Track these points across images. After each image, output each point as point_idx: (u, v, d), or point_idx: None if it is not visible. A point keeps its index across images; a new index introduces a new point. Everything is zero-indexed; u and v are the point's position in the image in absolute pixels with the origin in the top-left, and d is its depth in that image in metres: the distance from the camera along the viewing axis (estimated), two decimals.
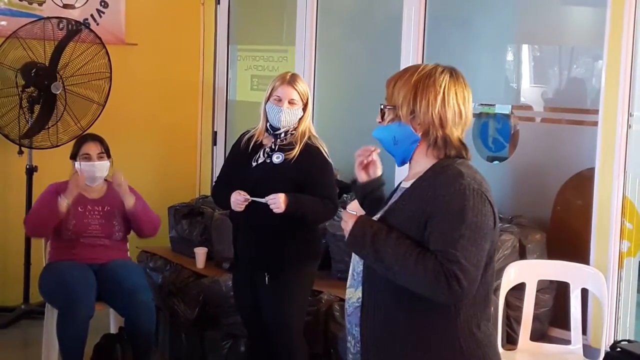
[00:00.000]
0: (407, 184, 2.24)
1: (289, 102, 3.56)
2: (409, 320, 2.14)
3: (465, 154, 2.21)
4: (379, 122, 2.27)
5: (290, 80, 3.59)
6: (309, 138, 3.60)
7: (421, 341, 2.14)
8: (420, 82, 2.18)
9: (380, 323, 2.19)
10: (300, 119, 3.60)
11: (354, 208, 2.31)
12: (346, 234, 2.19)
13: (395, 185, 2.33)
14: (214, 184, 4.05)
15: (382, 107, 2.25)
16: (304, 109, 3.61)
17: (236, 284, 3.83)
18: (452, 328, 2.12)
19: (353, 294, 2.29)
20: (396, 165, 2.29)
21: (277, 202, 3.42)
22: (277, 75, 3.67)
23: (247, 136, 3.70)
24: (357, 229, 2.16)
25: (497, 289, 3.51)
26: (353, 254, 2.31)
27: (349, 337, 2.32)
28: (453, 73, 2.22)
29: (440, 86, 2.17)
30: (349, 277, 2.35)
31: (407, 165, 2.27)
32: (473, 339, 2.14)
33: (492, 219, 2.10)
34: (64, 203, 4.09)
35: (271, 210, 3.44)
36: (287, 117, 3.56)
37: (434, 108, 2.16)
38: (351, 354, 2.32)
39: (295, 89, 3.57)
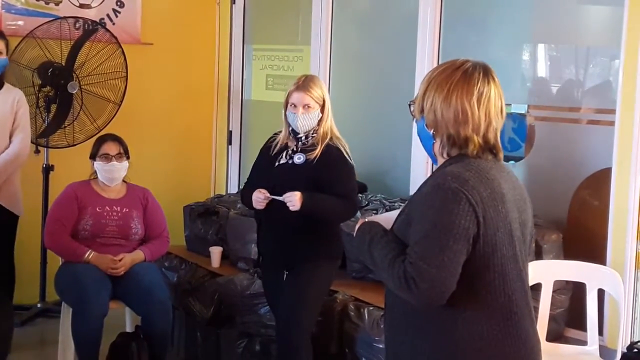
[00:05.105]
0: None
1: (304, 108, 3.59)
2: (407, 322, 2.11)
3: (469, 153, 2.08)
4: None
5: (303, 85, 3.62)
6: (331, 139, 3.63)
7: (420, 343, 2.08)
8: (433, 78, 2.11)
9: (390, 324, 2.21)
10: (320, 120, 3.63)
11: (381, 219, 2.21)
12: None
13: None
14: (242, 186, 4.09)
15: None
16: (322, 110, 3.63)
17: (264, 282, 3.91)
18: (449, 333, 2.04)
19: None
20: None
21: (293, 200, 3.46)
22: (294, 79, 3.70)
23: (274, 141, 3.74)
24: (359, 234, 2.16)
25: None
26: None
27: None
28: (469, 70, 2.09)
29: (447, 83, 2.07)
30: None
31: (423, 165, 2.25)
32: (474, 344, 2.04)
33: (467, 219, 1.96)
34: (88, 255, 4.11)
35: (289, 208, 3.48)
36: (303, 122, 3.60)
37: (436, 106, 2.08)
38: None
39: (308, 94, 3.59)
